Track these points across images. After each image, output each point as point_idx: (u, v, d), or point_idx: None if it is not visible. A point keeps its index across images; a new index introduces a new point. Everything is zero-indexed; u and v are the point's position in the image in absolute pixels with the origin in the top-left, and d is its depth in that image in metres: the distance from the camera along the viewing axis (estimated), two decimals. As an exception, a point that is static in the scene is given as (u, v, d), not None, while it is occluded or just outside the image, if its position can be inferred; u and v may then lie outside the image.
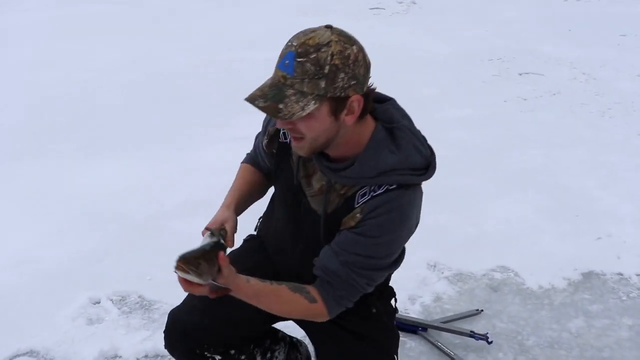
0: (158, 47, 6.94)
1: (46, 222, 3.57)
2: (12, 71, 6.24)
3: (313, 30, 1.51)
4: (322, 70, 1.47)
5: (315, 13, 8.41)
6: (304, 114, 1.49)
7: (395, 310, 2.07)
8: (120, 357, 2.60)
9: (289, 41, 1.51)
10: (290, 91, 1.48)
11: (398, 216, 1.62)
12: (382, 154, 1.62)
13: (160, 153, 4.41)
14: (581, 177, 4.15)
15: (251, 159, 2.05)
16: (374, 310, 1.93)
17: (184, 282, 1.51)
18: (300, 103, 1.48)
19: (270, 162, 1.92)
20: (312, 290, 1.67)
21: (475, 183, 4.05)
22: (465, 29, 7.91)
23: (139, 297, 2.97)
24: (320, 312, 1.69)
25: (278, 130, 1.82)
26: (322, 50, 1.47)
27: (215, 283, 1.52)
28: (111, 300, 2.93)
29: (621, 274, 3.19)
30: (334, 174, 1.65)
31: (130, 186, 3.94)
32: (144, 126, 4.87)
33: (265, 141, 1.87)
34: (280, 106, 1.48)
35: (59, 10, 8.80)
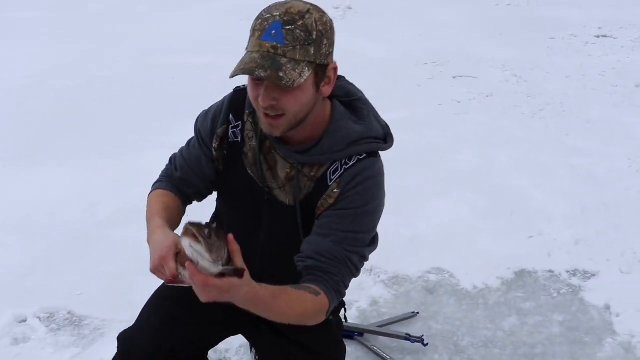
0: (96, 51, 6.79)
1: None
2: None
3: (287, 2, 1.51)
4: (311, 36, 1.49)
5: (248, 16, 8.37)
6: (302, 80, 1.48)
7: (344, 320, 2.06)
8: (48, 377, 2.52)
9: (265, 14, 1.50)
10: (284, 60, 1.46)
11: (375, 183, 1.64)
12: (349, 125, 1.64)
13: (95, 161, 4.32)
14: (515, 177, 4.22)
15: (170, 182, 1.84)
16: (330, 318, 1.85)
17: (191, 268, 1.26)
18: (296, 70, 1.47)
19: (211, 171, 1.79)
20: (310, 284, 1.56)
21: (411, 184, 4.07)
22: (400, 33, 7.96)
23: (69, 313, 2.89)
24: (324, 305, 1.58)
25: (227, 130, 1.74)
26: (307, 17, 1.48)
27: (229, 267, 1.30)
28: (38, 317, 2.84)
29: (552, 271, 3.25)
30: (303, 156, 1.63)
31: (62, 196, 3.85)
32: (78, 133, 4.76)
33: (215, 144, 1.75)
34: (281, 74, 1.45)
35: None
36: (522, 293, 3.07)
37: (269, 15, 1.48)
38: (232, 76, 1.47)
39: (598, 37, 7.87)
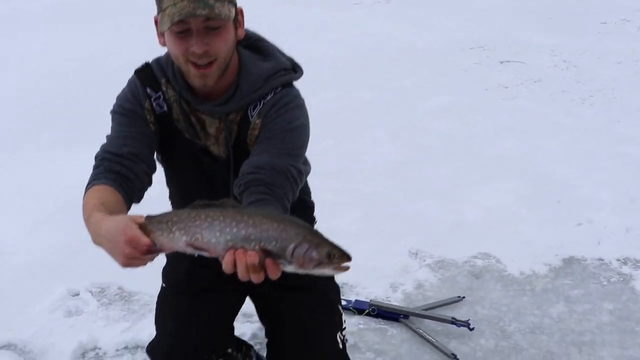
0: (140, 32, 6.89)
1: (22, 214, 3.56)
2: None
3: None
4: None
5: (297, 2, 8.42)
6: (232, 15, 1.60)
7: None
8: (100, 348, 2.60)
9: None
10: (211, 1, 1.54)
11: (294, 105, 1.71)
12: (259, 64, 1.74)
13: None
14: (562, 165, 4.17)
15: (109, 174, 1.64)
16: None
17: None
18: (225, 7, 1.57)
19: (153, 141, 1.76)
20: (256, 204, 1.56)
21: (457, 171, 4.06)
22: (446, 18, 7.90)
23: (119, 288, 2.97)
24: None
25: (151, 104, 1.76)
26: None
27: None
28: (90, 292, 2.92)
29: (602, 259, 3.21)
30: (227, 105, 1.70)
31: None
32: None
33: (150, 118, 1.76)
34: (217, 11, 1.54)
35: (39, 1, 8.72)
36: (570, 280, 3.04)
37: None
38: (171, 24, 1.53)
39: (652, 21, 7.72)
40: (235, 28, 1.65)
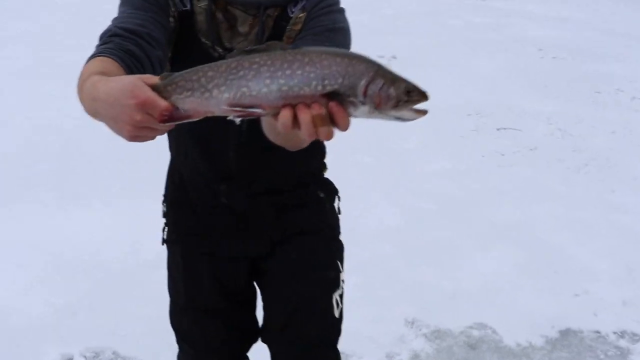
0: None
1: (16, 273, 3.53)
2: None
3: None
4: None
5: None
6: None
7: (338, 211, 2.04)
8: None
9: None
10: None
11: (339, 8, 1.60)
12: None
13: (139, 202, 4.38)
14: (558, 233, 4.18)
15: (118, 52, 1.32)
16: (321, 195, 1.92)
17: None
18: None
19: (170, 34, 1.53)
20: None
21: (454, 237, 4.07)
22: (443, 83, 8.01)
23: (113, 353, 2.94)
24: None
25: None
26: None
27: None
28: (84, 356, 2.90)
29: (598, 332, 3.20)
30: None
31: (107, 236, 3.91)
32: (124, 174, 4.85)
33: (172, 11, 1.54)
34: None
35: (42, 55, 8.85)
36: (567, 353, 3.03)
37: None
38: None
39: (645, 92, 7.85)
40: None
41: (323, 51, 1.14)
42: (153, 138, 1.16)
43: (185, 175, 1.83)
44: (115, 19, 1.44)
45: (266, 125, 1.38)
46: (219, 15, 1.56)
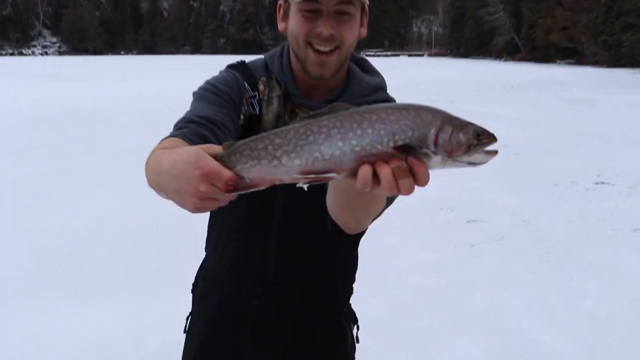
0: (142, 200, 7.06)
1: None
2: (10, 220, 6.30)
3: None
4: None
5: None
6: (364, 7, 1.48)
7: (356, 340, 1.89)
8: None
9: None
10: None
11: None
12: (366, 77, 1.61)
13: (140, 300, 4.42)
14: (525, 319, 4.22)
15: (192, 137, 1.31)
16: (347, 330, 1.80)
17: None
18: None
19: (228, 137, 1.44)
20: None
21: (430, 325, 4.10)
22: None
23: None
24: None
25: (247, 100, 1.55)
26: None
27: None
28: None
29: (562, 413, 3.20)
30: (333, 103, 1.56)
31: (109, 333, 3.92)
32: (126, 274, 4.90)
33: (244, 109, 1.54)
34: None
35: (56, 164, 9.01)
36: None
37: None
38: None
39: (597, 183, 8.04)
40: (360, 23, 1.51)
41: (389, 107, 1.06)
42: (220, 205, 1.07)
43: (219, 274, 1.72)
44: (190, 111, 1.43)
45: (335, 192, 1.33)
46: (286, 117, 1.55)
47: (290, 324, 1.68)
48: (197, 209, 1.05)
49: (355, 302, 4.27)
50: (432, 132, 1.03)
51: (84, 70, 43.82)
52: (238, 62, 1.63)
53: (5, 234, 5.94)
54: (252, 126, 1.53)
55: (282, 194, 1.56)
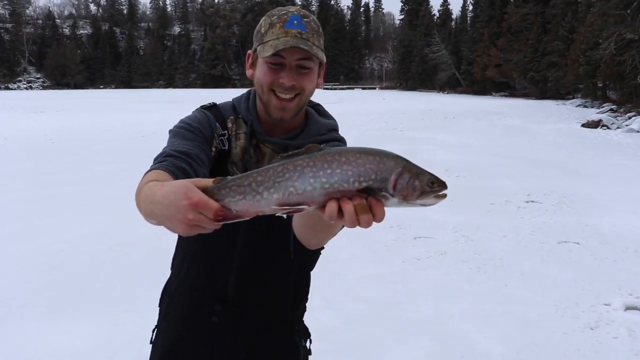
0: (121, 221, 6.95)
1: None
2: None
3: (288, 7, 1.58)
4: (320, 29, 1.54)
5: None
6: (324, 60, 1.54)
7: (309, 352, 1.86)
8: None
9: (279, 12, 1.52)
10: (309, 43, 1.48)
11: None
12: (322, 119, 1.69)
13: (116, 316, 4.33)
14: (464, 324, 4.27)
15: (172, 168, 1.37)
16: (301, 345, 1.78)
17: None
18: (320, 53, 1.51)
19: (202, 168, 1.50)
20: None
21: (379, 333, 4.11)
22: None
23: None
24: None
25: (222, 135, 1.61)
26: (311, 16, 1.55)
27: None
28: None
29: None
30: (294, 141, 1.60)
31: (86, 347, 3.83)
32: (105, 292, 4.80)
33: (215, 144, 1.59)
34: (314, 51, 1.48)
35: (37, 191, 8.80)
36: None
37: (285, 12, 1.51)
38: (275, 51, 1.45)
39: (527, 202, 8.21)
40: (318, 74, 1.58)
41: (358, 150, 1.11)
42: (209, 230, 1.12)
43: (182, 291, 1.72)
44: (167, 146, 1.48)
45: (302, 218, 1.38)
46: (251, 151, 1.61)
47: (247, 341, 1.67)
48: (186, 234, 1.11)
49: (310, 312, 4.25)
50: (393, 177, 1.09)
51: (65, 103, 43.02)
52: (209, 103, 1.68)
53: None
54: (221, 160, 1.60)
55: (245, 222, 1.57)
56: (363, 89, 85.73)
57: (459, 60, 68.81)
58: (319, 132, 1.65)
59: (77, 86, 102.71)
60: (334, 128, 1.71)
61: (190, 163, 1.41)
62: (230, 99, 1.72)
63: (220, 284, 1.64)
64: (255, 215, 1.13)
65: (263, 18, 1.57)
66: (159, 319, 1.80)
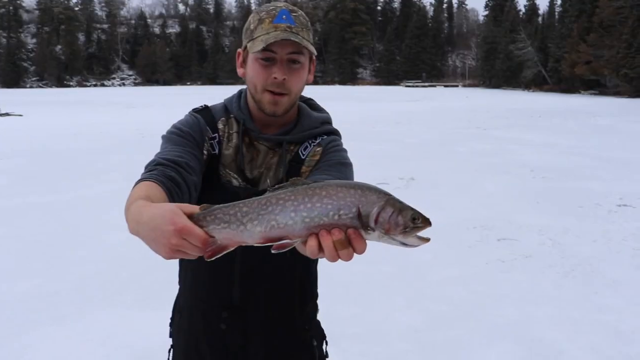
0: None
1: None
2: (92, 232, 6.49)
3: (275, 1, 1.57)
4: (308, 23, 1.55)
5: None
6: (312, 56, 1.55)
7: (325, 354, 1.79)
8: None
9: (268, 7, 1.52)
10: (299, 36, 1.48)
11: (344, 148, 1.65)
12: (314, 112, 1.68)
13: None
14: (551, 331, 4.12)
15: (161, 178, 1.38)
16: (314, 343, 1.73)
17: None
18: (310, 46, 1.51)
19: (200, 171, 1.53)
20: None
21: (463, 335, 4.04)
22: (454, 201, 8.11)
23: None
24: None
25: (212, 138, 1.60)
26: (299, 10, 1.55)
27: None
28: None
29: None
30: (287, 135, 1.60)
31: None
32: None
33: (206, 148, 1.58)
34: (304, 44, 1.48)
35: (130, 183, 9.23)
36: None
37: (273, 7, 1.51)
38: (266, 45, 1.45)
39: (620, 205, 7.81)
40: (309, 70, 1.58)
41: (339, 184, 1.10)
42: (192, 257, 1.12)
43: (189, 304, 1.72)
44: (158, 153, 1.50)
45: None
46: (244, 150, 1.60)
47: (259, 345, 1.65)
48: (169, 257, 1.11)
49: (392, 312, 4.28)
50: (375, 210, 1.07)
51: (154, 99, 44.90)
52: (201, 106, 1.68)
53: (83, 246, 6.12)
54: (212, 164, 1.59)
55: None
56: (445, 86, 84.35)
57: (545, 57, 66.26)
58: (312, 125, 1.64)
59: (165, 83, 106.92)
60: (327, 121, 1.70)
61: (180, 172, 1.42)
62: (222, 101, 1.71)
63: (224, 291, 1.63)
64: (239, 246, 1.12)
65: (251, 15, 1.57)
66: (172, 339, 1.79)
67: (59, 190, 9.05)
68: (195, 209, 1.12)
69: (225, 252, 1.11)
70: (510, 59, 72.26)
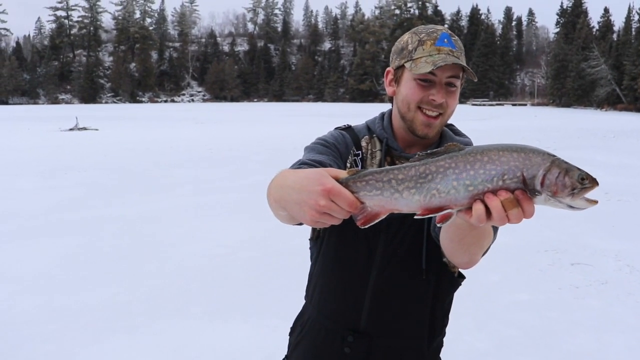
0: (277, 229, 7.24)
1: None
2: (161, 245, 6.67)
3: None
4: (463, 48, 1.54)
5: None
6: (475, 79, 1.53)
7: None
8: None
9: (428, 29, 1.52)
10: (460, 61, 1.48)
11: None
12: (457, 137, 1.65)
13: (270, 320, 4.50)
14: (630, 362, 3.92)
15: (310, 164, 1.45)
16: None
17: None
18: (470, 70, 1.49)
19: None
20: None
21: (534, 362, 3.90)
22: (524, 223, 7.85)
23: None
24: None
25: (356, 155, 1.60)
26: (455, 35, 1.53)
27: None
28: None
29: None
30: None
31: (244, 348, 4.01)
32: (260, 296, 5.02)
33: (350, 159, 1.60)
34: (467, 70, 1.48)
35: (199, 197, 9.47)
36: None
37: (433, 29, 1.51)
38: (434, 67, 1.43)
39: None
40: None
41: (500, 148, 1.05)
42: (338, 222, 1.08)
43: (315, 320, 1.68)
44: (303, 157, 1.50)
45: (450, 230, 1.31)
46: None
47: None
48: (313, 222, 1.07)
49: (460, 334, 4.18)
50: (541, 172, 1.03)
51: (222, 115, 46.01)
52: (344, 125, 1.69)
53: (155, 258, 6.30)
54: None
55: (382, 245, 1.55)
56: (513, 105, 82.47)
57: (620, 75, 63.77)
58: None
59: (233, 99, 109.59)
60: (469, 144, 1.62)
61: None
62: (365, 122, 1.72)
63: (353, 313, 1.58)
64: (389, 213, 1.07)
65: (407, 35, 1.56)
66: (289, 349, 1.77)
67: (132, 203, 9.37)
68: (342, 173, 1.09)
69: (377, 221, 1.07)
70: (581, 77, 70.01)
